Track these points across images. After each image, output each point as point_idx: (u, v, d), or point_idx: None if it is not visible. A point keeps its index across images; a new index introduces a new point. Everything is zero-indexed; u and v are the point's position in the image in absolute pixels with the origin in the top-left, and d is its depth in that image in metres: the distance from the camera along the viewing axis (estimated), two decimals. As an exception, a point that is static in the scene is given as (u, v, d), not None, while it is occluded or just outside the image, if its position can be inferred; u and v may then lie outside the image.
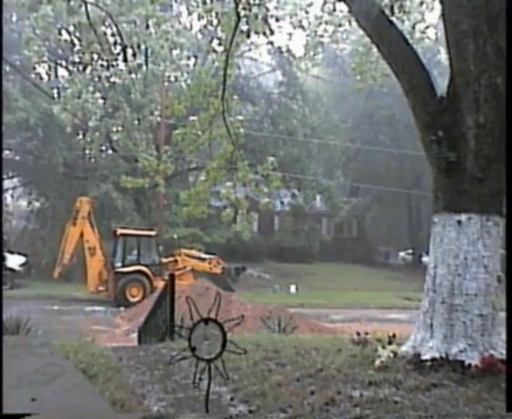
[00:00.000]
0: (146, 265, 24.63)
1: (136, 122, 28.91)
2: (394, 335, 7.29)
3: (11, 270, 25.90)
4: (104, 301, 23.88)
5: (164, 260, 25.63)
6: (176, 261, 25.62)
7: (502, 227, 6.85)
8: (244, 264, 29.97)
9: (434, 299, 6.97)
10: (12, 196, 39.61)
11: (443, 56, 31.58)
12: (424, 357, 6.75)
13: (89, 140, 28.10)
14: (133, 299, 23.72)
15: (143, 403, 5.63)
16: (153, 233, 25.84)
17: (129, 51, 23.44)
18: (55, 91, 31.92)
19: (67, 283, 25.88)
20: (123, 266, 24.40)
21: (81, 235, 24.68)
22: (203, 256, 26.73)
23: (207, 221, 28.13)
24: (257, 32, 10.71)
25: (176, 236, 29.98)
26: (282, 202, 37.18)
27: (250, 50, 33.04)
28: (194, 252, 27.00)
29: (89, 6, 11.52)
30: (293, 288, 31.04)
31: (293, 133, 33.77)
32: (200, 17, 12.49)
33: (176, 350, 5.92)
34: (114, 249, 25.09)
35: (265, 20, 10.54)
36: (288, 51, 33.39)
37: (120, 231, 25.07)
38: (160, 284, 24.40)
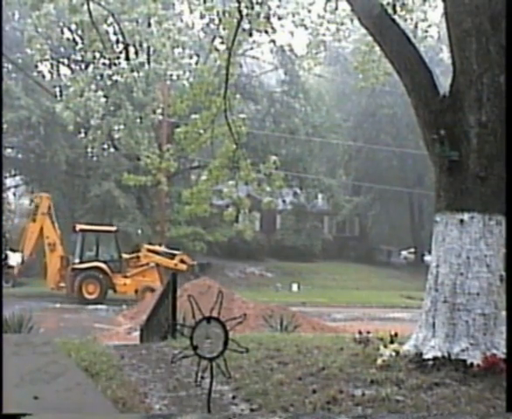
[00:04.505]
0: (104, 262, 24.34)
1: (138, 120, 28.92)
2: (396, 334, 7.27)
3: (13, 268, 25.90)
4: (106, 299, 23.87)
5: (126, 256, 25.29)
6: (137, 257, 25.30)
7: (505, 226, 6.84)
8: (209, 261, 29.58)
9: (436, 298, 6.96)
10: (14, 194, 39.69)
11: (445, 54, 31.60)
12: (426, 356, 6.75)
13: (91, 139, 28.11)
14: (89, 296, 23.48)
15: (145, 402, 5.64)
16: (113, 229, 25.55)
17: (131, 50, 23.46)
18: (57, 89, 31.94)
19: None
20: (81, 262, 24.15)
21: (41, 231, 24.54)
22: (167, 251, 26.18)
23: (209, 219, 28.12)
24: (259, 31, 10.70)
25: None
26: (284, 201, 37.19)
27: (252, 48, 33.01)
28: (158, 248, 26.48)
29: (91, 4, 11.51)
30: (295, 287, 31.05)
31: (295, 131, 33.77)
32: (202, 16, 12.50)
33: (178, 348, 5.92)
34: (74, 245, 24.92)
35: (267, 18, 10.53)
36: (290, 49, 33.45)
37: (79, 227, 24.82)
38: (120, 281, 24.35)
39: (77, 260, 24.27)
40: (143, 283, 23.87)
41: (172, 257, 25.64)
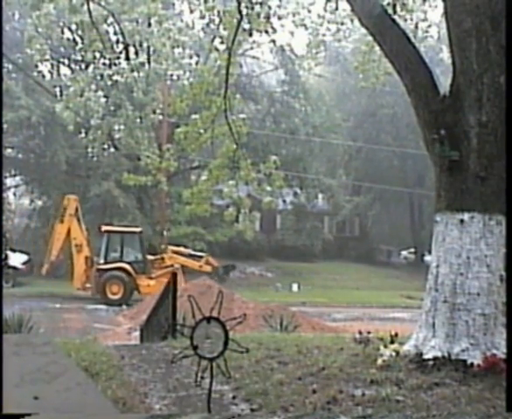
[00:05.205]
0: (128, 263, 24.38)
1: (138, 120, 28.91)
2: (396, 334, 7.27)
3: (13, 268, 25.90)
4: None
5: (150, 257, 25.37)
6: (162, 259, 25.35)
7: (505, 226, 6.83)
8: (233, 263, 29.63)
9: (436, 298, 6.96)
10: (15, 194, 39.64)
11: (446, 54, 31.60)
12: (426, 356, 6.74)
13: (91, 139, 28.09)
14: (113, 297, 23.52)
15: (145, 402, 5.64)
16: (137, 230, 25.61)
17: (131, 50, 23.47)
18: (57, 89, 31.93)
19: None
20: (106, 263, 24.25)
21: (68, 232, 24.67)
22: (193, 253, 26.27)
23: (210, 219, 28.08)
24: (259, 31, 10.71)
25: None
26: (284, 201, 37.15)
27: (252, 48, 32.99)
28: (183, 249, 26.52)
29: (91, 4, 11.52)
30: (295, 287, 31.02)
31: (295, 131, 33.74)
32: (202, 16, 12.51)
33: (178, 348, 5.92)
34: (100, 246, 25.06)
35: (267, 18, 10.54)
36: (290, 49, 33.44)
37: (104, 228, 24.98)
38: (144, 282, 24.37)
39: (102, 261, 24.35)
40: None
41: (198, 258, 25.67)
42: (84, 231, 24.94)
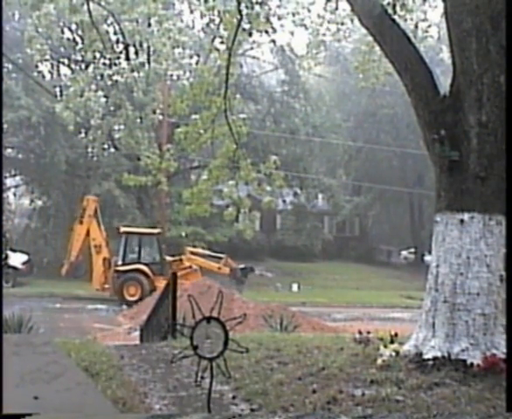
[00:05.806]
0: (146, 264, 24.37)
1: (138, 120, 28.91)
2: (396, 334, 7.27)
3: (14, 268, 25.90)
4: (106, 299, 23.86)
5: (169, 258, 25.37)
6: (180, 260, 25.36)
7: (505, 226, 6.84)
8: (252, 265, 29.49)
9: (436, 298, 6.96)
10: (15, 195, 39.65)
11: (446, 54, 31.60)
12: (426, 356, 6.74)
13: (91, 139, 28.12)
14: (131, 298, 23.43)
15: (145, 402, 5.64)
16: (155, 231, 25.65)
17: (131, 50, 23.48)
18: (57, 89, 31.93)
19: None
20: (124, 264, 24.27)
21: (88, 233, 24.69)
22: (211, 254, 26.10)
23: (209, 219, 28.03)
24: (259, 31, 10.71)
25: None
26: (284, 201, 37.17)
27: (252, 48, 33.03)
28: (201, 251, 26.48)
29: (91, 4, 11.52)
30: (295, 287, 31.02)
31: (295, 131, 33.75)
32: (202, 16, 12.52)
33: (178, 348, 5.92)
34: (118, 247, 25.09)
35: (267, 18, 10.55)
36: (290, 49, 33.47)
37: (122, 229, 25.00)
38: (162, 283, 24.26)
39: (120, 262, 24.32)
40: (184, 285, 23.78)
41: (217, 259, 25.49)
42: (103, 232, 24.93)
